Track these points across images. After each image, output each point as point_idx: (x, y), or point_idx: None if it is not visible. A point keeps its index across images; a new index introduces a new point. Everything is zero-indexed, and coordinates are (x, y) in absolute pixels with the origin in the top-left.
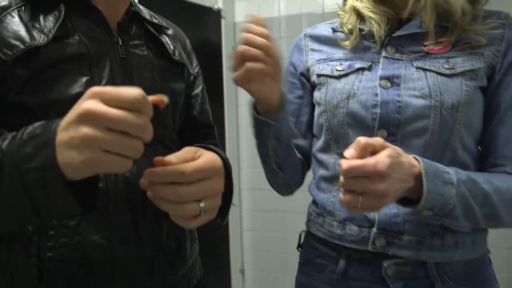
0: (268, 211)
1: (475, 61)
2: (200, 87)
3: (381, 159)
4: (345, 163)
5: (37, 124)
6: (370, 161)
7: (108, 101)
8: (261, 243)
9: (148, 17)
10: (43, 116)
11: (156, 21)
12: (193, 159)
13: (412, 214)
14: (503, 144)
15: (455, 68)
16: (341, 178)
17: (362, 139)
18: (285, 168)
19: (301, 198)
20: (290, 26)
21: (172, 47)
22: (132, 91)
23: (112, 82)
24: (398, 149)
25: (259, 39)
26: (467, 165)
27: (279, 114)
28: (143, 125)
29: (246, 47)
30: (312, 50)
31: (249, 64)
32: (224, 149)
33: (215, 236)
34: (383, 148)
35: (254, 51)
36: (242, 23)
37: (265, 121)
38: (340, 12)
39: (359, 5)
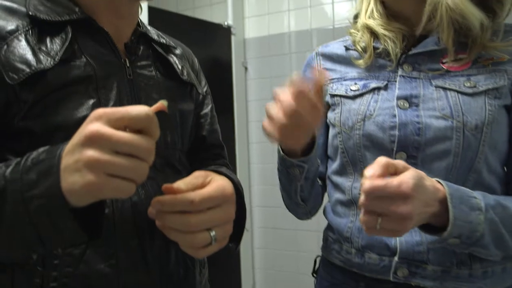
0: (279, 228)
1: (498, 79)
2: (209, 107)
3: (405, 179)
4: (367, 183)
5: (41, 149)
6: (393, 181)
7: (114, 122)
8: (272, 262)
9: (156, 37)
10: (48, 140)
11: (164, 41)
12: (203, 184)
13: (437, 242)
14: None
15: (477, 87)
16: (362, 198)
17: (383, 159)
18: (309, 200)
19: (315, 216)
20: (300, 41)
21: (180, 67)
22: (139, 110)
23: (120, 104)
24: (420, 172)
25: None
26: (494, 188)
27: (311, 154)
28: (151, 147)
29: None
30: (325, 69)
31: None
32: (234, 166)
33: (225, 254)
34: (405, 169)
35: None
36: (251, 39)
37: (297, 163)
38: (352, 30)
39: (372, 23)
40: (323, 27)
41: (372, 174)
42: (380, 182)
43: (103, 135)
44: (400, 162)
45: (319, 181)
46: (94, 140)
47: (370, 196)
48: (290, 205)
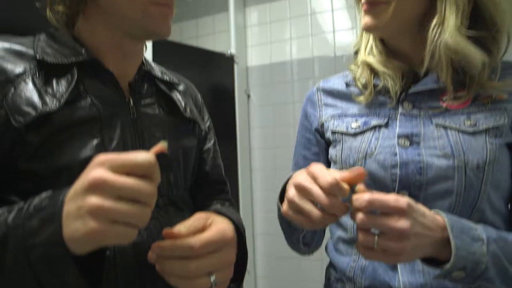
0: (282, 257)
1: (498, 117)
2: (212, 141)
3: (400, 197)
4: (365, 195)
5: (44, 195)
6: (390, 196)
7: (117, 168)
8: None
9: (159, 75)
10: (53, 181)
11: (167, 78)
12: (203, 227)
13: (442, 276)
14: None
15: (477, 125)
16: (360, 215)
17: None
18: (311, 244)
19: None
20: (302, 69)
21: (183, 104)
22: (142, 157)
23: (123, 143)
24: (422, 208)
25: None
26: (498, 227)
27: None
28: (153, 192)
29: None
30: (326, 105)
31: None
32: (237, 193)
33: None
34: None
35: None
36: (254, 67)
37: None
38: (352, 67)
39: (371, 60)
40: (325, 55)
41: (364, 188)
42: (378, 195)
43: (106, 181)
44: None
45: None
46: (97, 187)
47: (368, 209)
48: (292, 246)
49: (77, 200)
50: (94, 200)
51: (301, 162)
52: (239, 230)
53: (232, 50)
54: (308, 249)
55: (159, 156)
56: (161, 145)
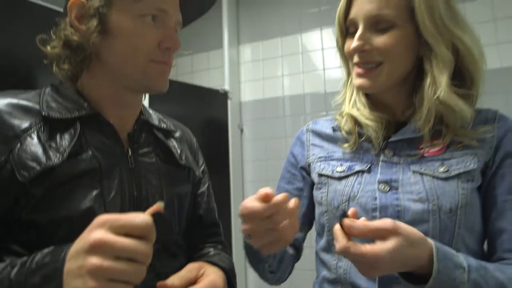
0: None
1: (469, 162)
2: (206, 185)
3: (381, 255)
4: (347, 247)
5: (45, 251)
6: (369, 254)
7: (117, 229)
8: None
9: (157, 123)
10: (53, 231)
11: (164, 126)
12: (196, 278)
13: None
14: (508, 238)
15: (450, 171)
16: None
17: (374, 224)
18: (278, 272)
19: (311, 255)
20: (294, 105)
21: (179, 151)
22: (140, 219)
23: (121, 192)
24: (411, 236)
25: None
26: None
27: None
28: (149, 252)
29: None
30: (314, 145)
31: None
32: (229, 226)
33: None
34: (393, 234)
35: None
36: (247, 102)
37: (264, 259)
38: (337, 116)
39: (355, 113)
40: (316, 91)
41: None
42: (359, 250)
43: (106, 243)
44: (388, 226)
45: (290, 250)
46: (97, 247)
47: (345, 255)
48: (260, 275)
49: (78, 259)
50: (94, 260)
51: None
52: (230, 279)
53: (226, 86)
54: (274, 276)
55: (156, 215)
56: (158, 205)
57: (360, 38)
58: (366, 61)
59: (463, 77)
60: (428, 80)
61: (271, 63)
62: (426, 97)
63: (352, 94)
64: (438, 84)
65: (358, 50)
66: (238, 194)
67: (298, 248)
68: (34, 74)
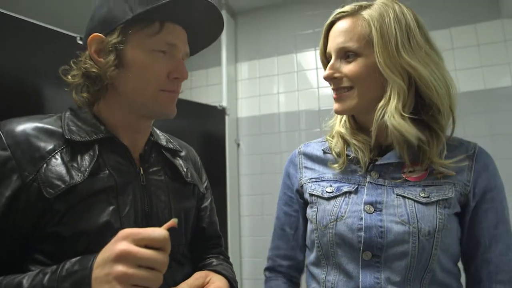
0: None
1: (447, 191)
2: (209, 200)
3: None
4: None
5: (74, 260)
6: None
7: (138, 241)
8: None
9: (165, 143)
10: (74, 242)
11: (171, 146)
12: (203, 285)
13: None
14: (494, 270)
15: (430, 197)
16: None
17: None
18: None
19: None
20: (289, 121)
21: (185, 169)
22: (158, 233)
23: (134, 207)
24: None
25: None
26: (448, 284)
27: None
28: (166, 261)
29: None
30: (306, 168)
31: None
32: (226, 238)
33: None
34: None
35: None
36: (244, 118)
37: None
38: (328, 137)
39: (343, 131)
40: (310, 109)
41: None
42: None
43: (130, 253)
44: None
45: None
46: (123, 257)
47: None
48: None
49: (105, 267)
50: (120, 268)
51: (283, 217)
52: (232, 286)
53: (224, 102)
54: None
55: (170, 230)
56: (173, 222)
57: (331, 67)
58: (338, 87)
59: (422, 104)
60: (380, 103)
61: (267, 81)
62: (375, 118)
63: (342, 117)
64: (388, 108)
65: (329, 78)
66: (234, 206)
67: (300, 270)
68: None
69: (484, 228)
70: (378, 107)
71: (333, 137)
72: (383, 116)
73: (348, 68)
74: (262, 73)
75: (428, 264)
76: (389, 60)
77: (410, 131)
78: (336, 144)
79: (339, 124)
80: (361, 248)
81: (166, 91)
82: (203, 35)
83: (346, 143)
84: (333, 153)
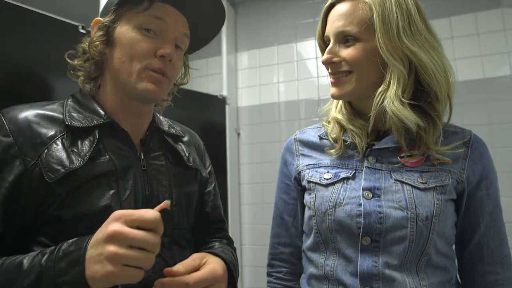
0: None
1: (444, 178)
2: (212, 185)
3: None
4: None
5: (70, 241)
6: None
7: (130, 222)
8: None
9: (166, 129)
10: (75, 225)
11: (173, 131)
12: (199, 266)
13: None
14: (487, 254)
15: (428, 183)
16: None
17: None
18: None
19: None
20: (289, 110)
21: (187, 154)
22: (149, 214)
23: (135, 192)
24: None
25: None
26: (443, 266)
27: None
28: (158, 242)
29: None
30: (302, 155)
31: None
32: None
33: None
34: None
35: None
36: (244, 108)
37: None
38: (324, 123)
39: (340, 117)
40: (310, 98)
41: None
42: None
43: (121, 234)
44: None
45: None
46: (114, 238)
47: None
48: None
49: (98, 248)
50: (111, 248)
51: (281, 205)
52: (230, 268)
53: (224, 91)
54: None
55: (163, 212)
56: (165, 203)
57: (329, 51)
58: (336, 71)
59: (421, 91)
60: (380, 89)
61: (267, 70)
62: (374, 103)
63: (338, 102)
64: (387, 94)
65: (327, 62)
66: (235, 196)
67: (300, 258)
68: (52, 83)
69: (479, 215)
70: (378, 93)
71: (329, 122)
72: (382, 101)
73: (347, 52)
74: (262, 62)
75: (425, 248)
76: (390, 45)
77: (409, 117)
78: (332, 130)
79: (335, 109)
80: (360, 234)
81: (152, 70)
82: (204, 25)
83: (342, 128)
84: (330, 138)
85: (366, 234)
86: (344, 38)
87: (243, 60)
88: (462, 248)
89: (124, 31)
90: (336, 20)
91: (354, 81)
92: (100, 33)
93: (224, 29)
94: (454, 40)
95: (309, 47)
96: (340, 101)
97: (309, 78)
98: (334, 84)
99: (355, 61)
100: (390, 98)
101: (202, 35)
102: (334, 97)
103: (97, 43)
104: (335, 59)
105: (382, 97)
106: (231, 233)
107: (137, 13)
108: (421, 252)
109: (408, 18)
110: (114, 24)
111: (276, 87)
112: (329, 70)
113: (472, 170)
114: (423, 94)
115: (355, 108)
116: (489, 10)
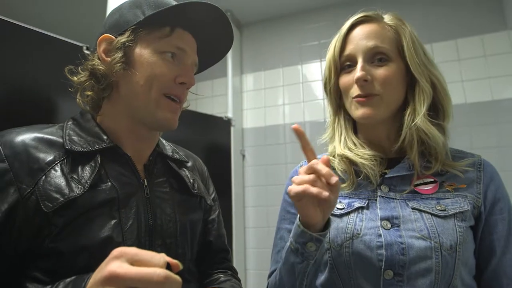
0: None
1: (462, 203)
2: (216, 212)
3: None
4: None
5: (68, 280)
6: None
7: (134, 262)
8: None
9: (170, 154)
10: (74, 259)
11: (177, 157)
12: None
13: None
14: (506, 282)
15: (447, 210)
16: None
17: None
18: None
19: None
20: None
21: (191, 181)
22: (157, 260)
23: (137, 221)
24: None
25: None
26: None
27: (327, 230)
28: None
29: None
30: None
31: (310, 190)
32: (231, 250)
33: None
34: None
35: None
36: (249, 129)
37: (316, 237)
38: (331, 158)
39: (349, 154)
40: (315, 120)
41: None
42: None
43: (118, 276)
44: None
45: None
46: (111, 280)
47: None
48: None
49: None
50: None
51: (286, 236)
52: None
53: (229, 113)
54: None
55: (170, 266)
56: (177, 264)
57: (362, 69)
58: (366, 93)
59: (437, 110)
60: (409, 109)
61: (272, 92)
62: (405, 123)
63: (341, 135)
64: (417, 113)
65: (361, 79)
66: (239, 219)
67: None
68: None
69: (494, 240)
70: (408, 113)
71: (334, 156)
72: (413, 120)
73: (380, 72)
74: (267, 84)
75: (452, 280)
76: (419, 65)
77: (438, 135)
78: (340, 164)
79: (339, 144)
80: (382, 267)
81: (169, 98)
82: (212, 47)
83: (352, 162)
84: (338, 172)
85: (389, 267)
86: (375, 57)
87: (249, 82)
88: (479, 276)
89: (145, 54)
90: (365, 38)
91: (385, 103)
92: (120, 54)
93: (230, 51)
94: (461, 63)
95: (314, 69)
96: (343, 134)
97: (314, 100)
98: (364, 104)
99: (388, 81)
100: (421, 117)
101: (209, 57)
102: (366, 117)
103: (118, 65)
104: (368, 77)
105: (412, 116)
106: (235, 257)
107: (159, 38)
108: (448, 285)
109: (422, 45)
110: (132, 43)
111: (282, 109)
112: (356, 92)
113: (486, 194)
114: (438, 113)
115: (363, 138)
116: (495, 32)
